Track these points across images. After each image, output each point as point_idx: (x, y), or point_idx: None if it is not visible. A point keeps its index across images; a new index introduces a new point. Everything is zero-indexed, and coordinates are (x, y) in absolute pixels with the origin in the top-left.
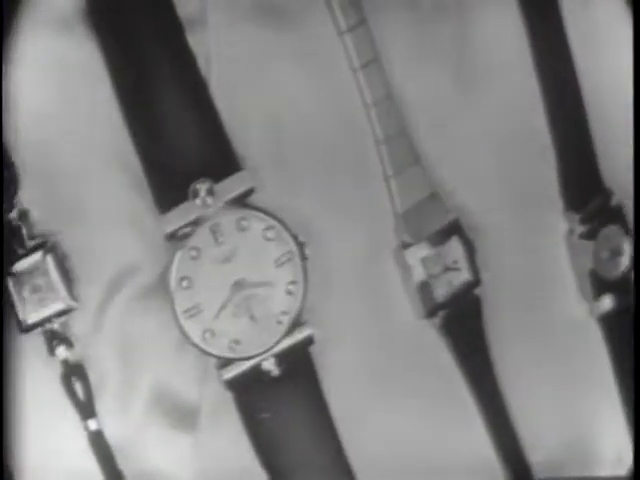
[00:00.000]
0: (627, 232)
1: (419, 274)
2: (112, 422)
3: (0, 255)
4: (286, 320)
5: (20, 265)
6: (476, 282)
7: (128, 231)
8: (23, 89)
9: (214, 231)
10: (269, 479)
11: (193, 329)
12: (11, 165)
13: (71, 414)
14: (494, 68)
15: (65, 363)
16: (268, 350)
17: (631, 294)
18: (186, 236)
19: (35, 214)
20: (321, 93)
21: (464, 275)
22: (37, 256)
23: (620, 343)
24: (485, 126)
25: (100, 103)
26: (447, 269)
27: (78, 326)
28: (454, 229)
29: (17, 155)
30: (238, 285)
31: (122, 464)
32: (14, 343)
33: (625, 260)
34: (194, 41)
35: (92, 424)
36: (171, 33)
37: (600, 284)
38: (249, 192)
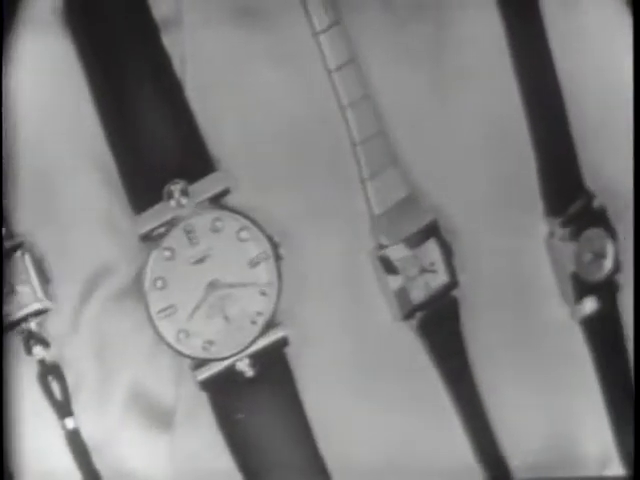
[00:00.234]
0: (611, 234)
1: (396, 276)
2: (89, 422)
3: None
4: (260, 321)
5: None
6: (453, 284)
7: (104, 232)
8: (11, 88)
9: (188, 232)
10: (244, 479)
11: (167, 329)
12: None
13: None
14: (472, 70)
15: (42, 363)
16: (242, 351)
17: (615, 297)
18: (160, 237)
19: (11, 214)
20: (296, 94)
21: (441, 277)
22: (15, 256)
23: (603, 346)
24: (463, 128)
25: (76, 104)
26: (424, 271)
27: (54, 326)
28: (431, 231)
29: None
30: (212, 286)
31: (98, 463)
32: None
33: (608, 263)
34: (169, 42)
35: (69, 423)
36: (146, 34)
37: (582, 287)
38: (224, 193)
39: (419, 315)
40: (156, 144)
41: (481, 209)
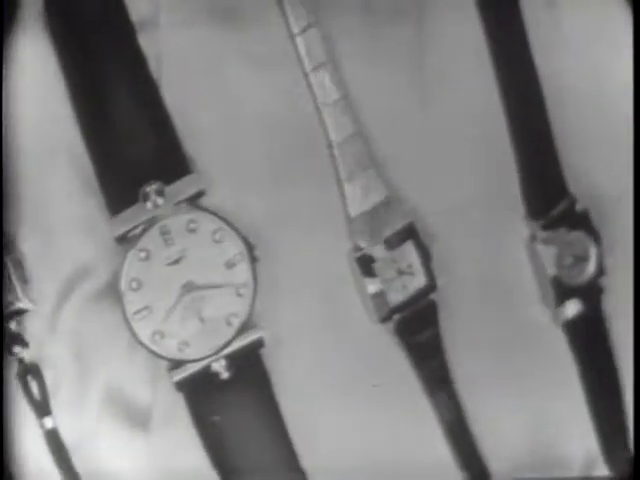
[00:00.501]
0: (594, 238)
1: (373, 278)
2: (67, 421)
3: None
4: (236, 322)
5: None
6: (431, 287)
7: (81, 233)
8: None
9: (164, 233)
10: (220, 479)
11: (143, 330)
12: None
13: None
14: (452, 72)
15: (21, 362)
16: (217, 352)
17: (599, 300)
18: (136, 238)
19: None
20: (273, 95)
21: (419, 280)
22: None
23: (587, 348)
24: (443, 130)
25: (55, 105)
26: (401, 273)
27: (33, 326)
28: (409, 233)
29: None
30: (187, 287)
31: (76, 462)
32: None
33: (591, 266)
34: (145, 42)
35: (48, 422)
36: (123, 35)
37: (563, 290)
38: (199, 194)
39: (396, 318)
40: (132, 145)
41: (461, 211)
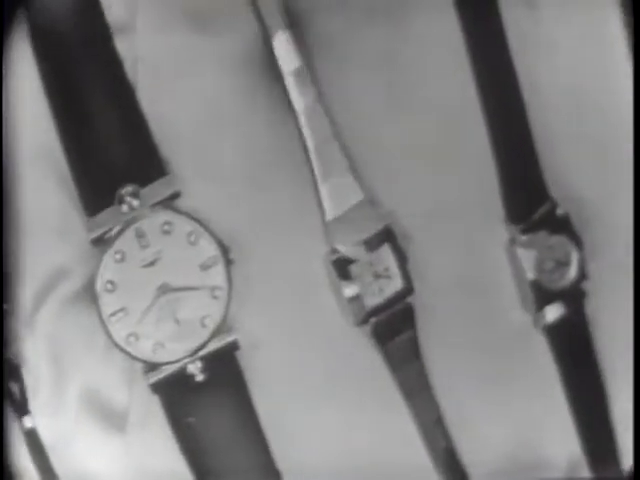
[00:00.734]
0: (575, 242)
1: (350, 280)
2: (44, 423)
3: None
4: (211, 324)
5: None
6: (408, 290)
7: (58, 235)
8: None
9: (139, 235)
10: None
11: (118, 332)
12: None
13: None
14: (429, 72)
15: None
16: (192, 354)
17: (581, 304)
18: (112, 240)
19: None
20: (248, 98)
21: (396, 283)
22: None
23: (569, 353)
24: (420, 132)
25: (32, 105)
26: (378, 277)
27: (12, 327)
28: (386, 236)
29: None
30: (162, 289)
31: (54, 463)
32: None
33: (572, 270)
34: (122, 46)
35: (27, 422)
36: (99, 38)
37: (544, 295)
38: (174, 196)
39: (373, 321)
40: (108, 148)
41: (439, 214)
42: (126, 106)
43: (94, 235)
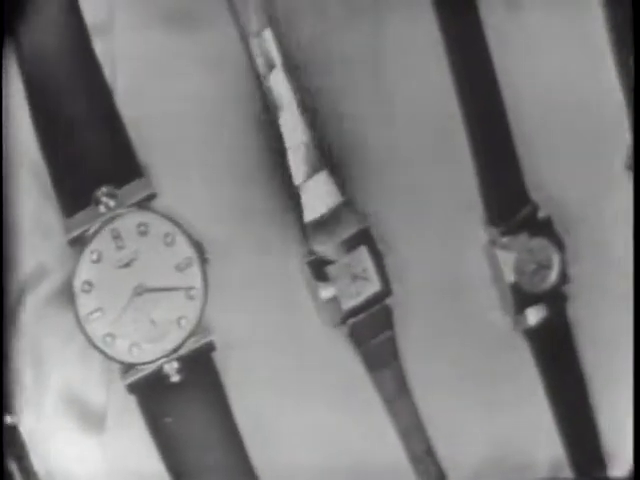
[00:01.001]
0: (557, 245)
1: (327, 282)
2: (25, 421)
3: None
4: (187, 325)
5: None
6: (386, 292)
7: (37, 235)
8: None
9: (115, 236)
10: None
11: (95, 332)
12: None
13: None
14: (409, 74)
15: None
16: (168, 355)
17: (563, 307)
18: (88, 241)
19: None
20: (227, 98)
21: (373, 285)
22: None
23: (550, 356)
24: (400, 133)
25: (13, 105)
26: (356, 278)
27: None
28: (364, 238)
29: None
30: (138, 289)
31: (34, 462)
32: None
33: (554, 274)
34: (100, 46)
35: (7, 419)
36: (77, 38)
37: (524, 297)
38: (151, 197)
39: (350, 322)
40: (85, 148)
41: (418, 215)
42: (104, 107)
43: (72, 236)
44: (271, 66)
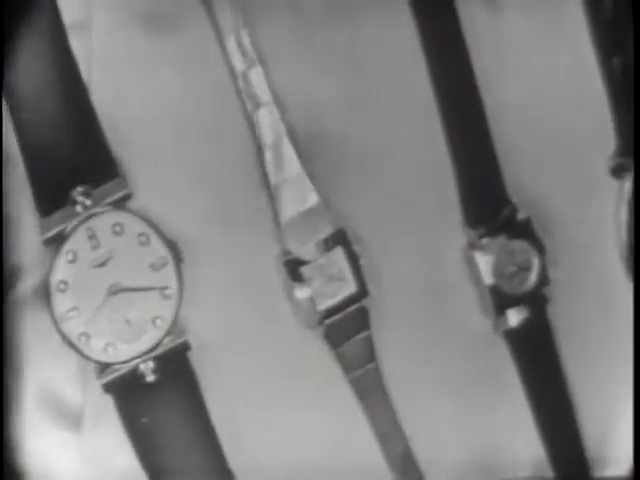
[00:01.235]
0: (537, 247)
1: (303, 282)
2: (2, 420)
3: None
4: (162, 325)
5: None
6: (362, 293)
7: (13, 234)
8: None
9: (90, 235)
10: None
11: (71, 332)
12: None
13: None
14: (387, 72)
15: None
16: (144, 355)
17: (543, 309)
18: (64, 240)
19: None
20: (203, 98)
21: (349, 286)
22: None
23: (531, 358)
24: (375, 133)
25: None
26: (331, 279)
27: None
28: (340, 239)
29: None
30: (113, 288)
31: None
32: None
33: (533, 276)
34: (77, 46)
35: None
36: (54, 37)
37: (503, 299)
38: (126, 197)
39: (326, 323)
40: (62, 148)
41: (396, 216)
42: (80, 106)
43: (48, 235)
44: (247, 65)
